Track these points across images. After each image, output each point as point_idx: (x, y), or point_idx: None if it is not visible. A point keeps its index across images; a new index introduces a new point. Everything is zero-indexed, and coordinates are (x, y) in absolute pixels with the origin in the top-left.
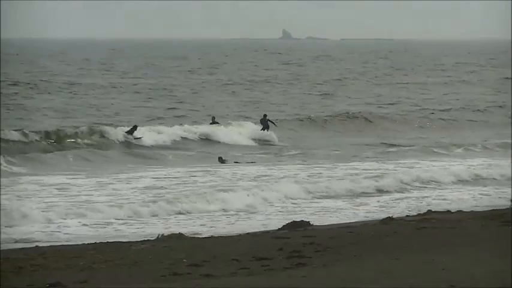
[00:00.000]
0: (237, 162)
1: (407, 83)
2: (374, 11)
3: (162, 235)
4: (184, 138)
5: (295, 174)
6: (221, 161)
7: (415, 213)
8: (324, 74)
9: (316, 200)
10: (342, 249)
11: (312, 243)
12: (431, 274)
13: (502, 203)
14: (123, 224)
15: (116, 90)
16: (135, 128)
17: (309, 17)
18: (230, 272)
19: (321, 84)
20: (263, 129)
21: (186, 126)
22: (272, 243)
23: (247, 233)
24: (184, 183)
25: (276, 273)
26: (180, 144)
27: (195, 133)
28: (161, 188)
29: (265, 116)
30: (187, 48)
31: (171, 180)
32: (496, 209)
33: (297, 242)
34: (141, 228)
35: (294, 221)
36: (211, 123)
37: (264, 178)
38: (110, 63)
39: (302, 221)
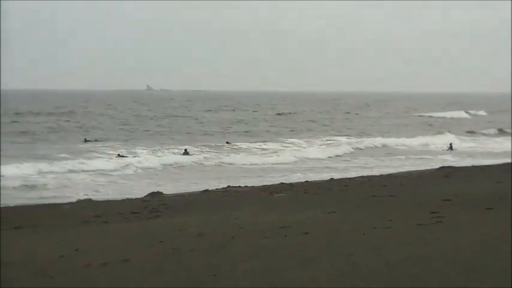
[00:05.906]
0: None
1: None
2: None
3: None
4: None
5: None
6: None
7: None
8: None
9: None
10: (187, 207)
11: (164, 204)
12: (227, 223)
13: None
14: None
15: None
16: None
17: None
18: (120, 219)
19: None
20: None
21: None
22: (141, 204)
23: (127, 198)
24: None
25: (143, 221)
26: None
27: None
28: None
29: None
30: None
31: None
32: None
33: (155, 203)
34: None
35: (152, 192)
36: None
37: None
38: None
39: (158, 191)
